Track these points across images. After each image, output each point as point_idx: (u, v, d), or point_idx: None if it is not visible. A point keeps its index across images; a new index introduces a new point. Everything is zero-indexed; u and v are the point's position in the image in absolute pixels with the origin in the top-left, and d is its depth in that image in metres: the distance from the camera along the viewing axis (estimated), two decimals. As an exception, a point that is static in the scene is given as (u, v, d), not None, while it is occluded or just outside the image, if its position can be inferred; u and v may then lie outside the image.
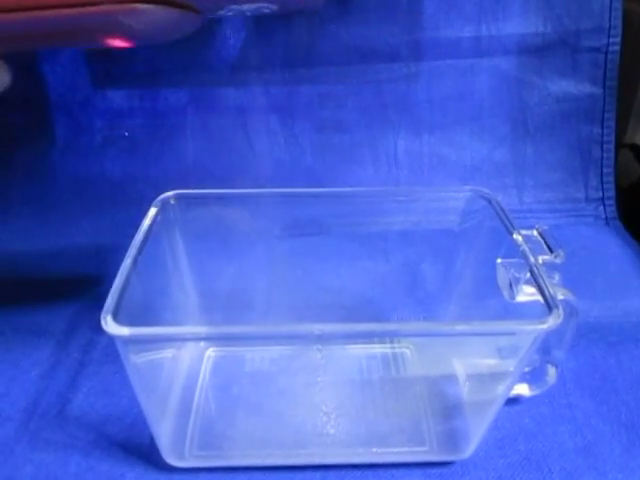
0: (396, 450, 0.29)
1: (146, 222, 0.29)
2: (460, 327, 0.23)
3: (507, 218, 0.30)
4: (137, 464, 0.30)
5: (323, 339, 0.22)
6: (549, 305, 0.24)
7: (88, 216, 0.49)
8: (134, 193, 0.49)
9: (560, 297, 0.26)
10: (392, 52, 0.48)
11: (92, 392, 0.34)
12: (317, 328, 0.22)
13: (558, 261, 0.27)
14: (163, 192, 0.33)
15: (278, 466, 0.29)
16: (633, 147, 0.57)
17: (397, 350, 0.35)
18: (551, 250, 0.27)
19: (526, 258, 0.26)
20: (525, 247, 0.27)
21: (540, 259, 0.27)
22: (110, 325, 0.23)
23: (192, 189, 0.34)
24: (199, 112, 0.49)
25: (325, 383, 0.28)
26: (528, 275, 0.26)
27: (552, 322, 0.23)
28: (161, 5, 0.21)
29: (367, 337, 0.29)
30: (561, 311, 0.23)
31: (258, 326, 0.24)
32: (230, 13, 0.29)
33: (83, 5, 0.20)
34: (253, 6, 0.27)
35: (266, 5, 0.26)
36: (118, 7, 0.20)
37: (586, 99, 0.49)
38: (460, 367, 0.33)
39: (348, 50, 0.48)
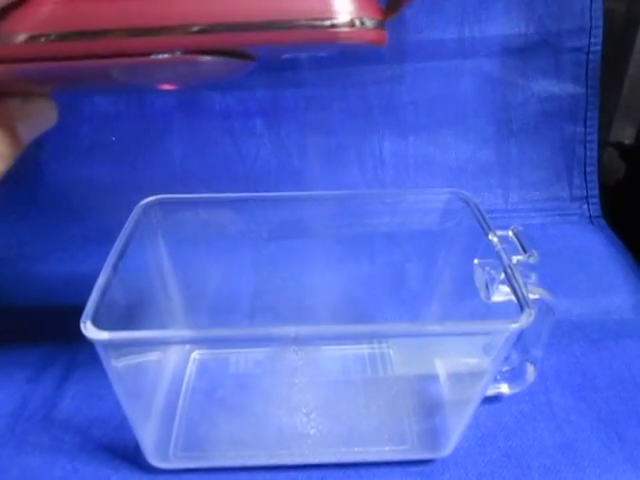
0: (377, 449, 0.30)
1: (127, 227, 0.29)
2: (433, 327, 0.24)
3: (484, 219, 0.30)
4: (122, 466, 0.30)
5: (299, 341, 0.23)
6: (521, 305, 0.24)
7: (76, 221, 0.49)
8: (122, 197, 0.48)
9: (535, 296, 0.27)
10: (376, 54, 0.48)
11: (78, 396, 0.34)
12: (292, 330, 0.22)
13: (532, 261, 0.27)
14: (151, 196, 0.34)
15: (261, 466, 0.29)
16: (618, 145, 0.57)
17: (380, 350, 0.35)
18: (525, 250, 0.27)
19: (500, 258, 0.27)
20: (500, 248, 0.28)
21: (515, 259, 0.27)
22: (89, 330, 0.23)
23: (179, 193, 0.35)
24: (186, 116, 0.49)
25: (306, 384, 0.28)
26: (503, 275, 0.27)
27: (524, 321, 0.24)
28: (222, 56, 0.21)
29: (341, 339, 0.29)
30: (533, 310, 0.24)
31: (233, 329, 0.24)
32: (287, 55, 0.29)
33: (147, 55, 0.20)
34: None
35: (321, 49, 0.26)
36: (181, 58, 0.20)
37: (569, 99, 0.49)
38: (441, 366, 0.33)
39: (332, 53, 0.48)
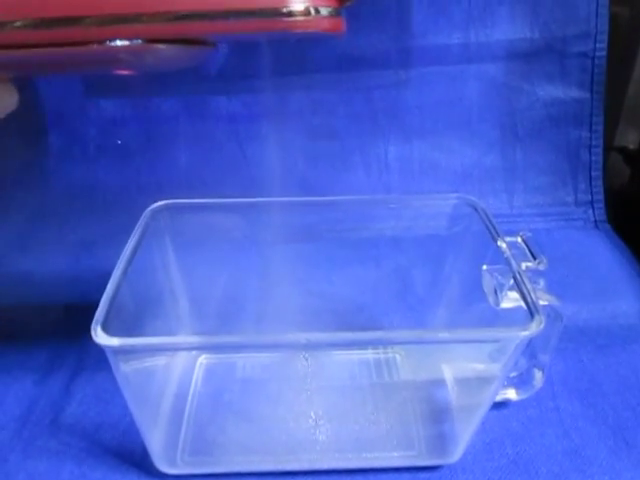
0: (386, 455, 0.30)
1: (136, 232, 0.30)
2: (442, 335, 0.24)
3: (492, 225, 0.30)
4: (129, 471, 0.30)
5: (309, 347, 0.23)
6: (531, 312, 0.24)
7: (83, 224, 0.49)
8: (128, 201, 0.49)
9: (544, 303, 0.27)
10: (382, 59, 0.48)
11: (85, 400, 0.34)
12: (303, 337, 0.22)
13: (541, 267, 0.27)
14: (156, 200, 0.34)
15: (269, 472, 0.29)
16: (622, 150, 0.57)
17: (388, 355, 0.35)
18: (534, 257, 0.27)
19: (509, 265, 0.27)
20: (509, 254, 0.28)
21: (524, 265, 0.27)
22: (100, 336, 0.23)
23: (185, 196, 0.35)
24: (191, 120, 0.50)
25: (315, 389, 0.28)
26: (512, 281, 0.27)
27: (534, 328, 0.24)
28: (181, 44, 0.21)
29: (351, 345, 0.29)
30: (542, 317, 0.24)
31: (243, 335, 0.24)
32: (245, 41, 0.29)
33: (103, 42, 0.20)
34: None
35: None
36: (140, 46, 0.20)
37: (574, 104, 0.49)
38: (449, 372, 0.33)
39: (339, 58, 0.48)
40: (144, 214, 0.31)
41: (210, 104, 0.49)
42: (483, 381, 0.28)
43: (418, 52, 0.48)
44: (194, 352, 0.36)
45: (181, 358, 0.35)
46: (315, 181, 0.50)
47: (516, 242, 0.29)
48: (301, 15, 0.20)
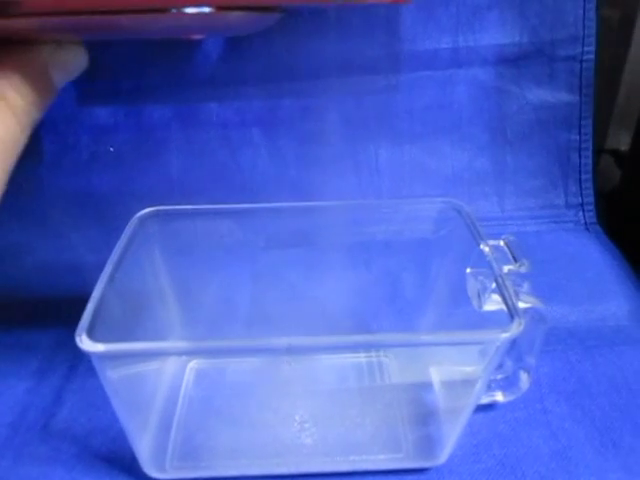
0: (373, 458, 0.30)
1: (123, 239, 0.30)
2: (424, 337, 0.24)
3: (476, 228, 0.30)
4: (119, 477, 0.30)
5: (291, 351, 0.23)
6: (511, 314, 0.24)
7: (76, 231, 0.49)
8: (121, 208, 0.49)
9: (527, 305, 0.27)
10: (372, 65, 0.49)
11: (77, 406, 0.34)
12: (285, 341, 0.22)
13: (523, 270, 0.27)
14: (149, 206, 0.34)
15: (257, 476, 0.30)
16: (614, 152, 0.58)
17: (375, 359, 0.36)
18: (516, 260, 0.28)
19: (491, 268, 0.27)
20: (491, 257, 0.28)
21: (506, 268, 0.27)
22: (85, 342, 0.24)
23: (177, 203, 0.35)
24: (183, 127, 0.50)
25: (300, 393, 0.29)
26: (494, 285, 0.27)
27: (514, 330, 0.24)
28: (252, 11, 0.21)
29: (335, 349, 0.30)
30: (522, 320, 0.24)
31: (225, 340, 0.24)
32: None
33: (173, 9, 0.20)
34: None
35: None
36: (212, 13, 0.20)
37: (563, 107, 0.50)
38: (436, 374, 0.34)
39: (328, 64, 0.49)
40: (131, 221, 0.32)
41: (201, 111, 0.49)
42: (468, 383, 0.29)
43: (407, 57, 0.49)
44: (184, 357, 0.36)
45: (171, 363, 0.36)
46: (307, 186, 0.51)
47: (499, 245, 0.29)
48: None
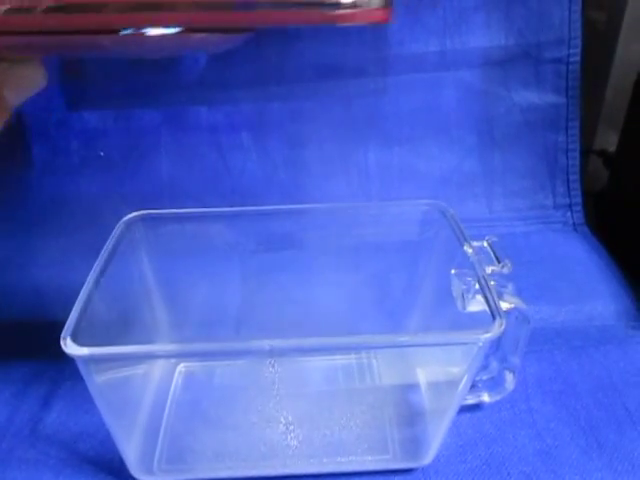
0: (359, 459, 0.30)
1: (110, 243, 0.30)
2: (405, 339, 0.24)
3: (460, 230, 0.31)
4: (107, 480, 0.30)
5: (274, 354, 0.23)
6: (493, 314, 0.25)
7: (66, 236, 0.49)
8: (110, 212, 0.49)
9: (510, 306, 0.27)
10: (360, 68, 0.49)
11: (65, 410, 0.34)
12: (267, 343, 0.23)
13: (506, 271, 0.28)
14: (139, 210, 0.34)
15: (244, 478, 0.30)
16: (602, 153, 0.58)
17: (362, 360, 0.36)
18: (499, 261, 0.28)
19: (474, 269, 0.27)
20: (474, 258, 0.28)
21: (489, 269, 0.28)
22: (69, 346, 0.24)
23: (167, 207, 0.35)
24: (173, 131, 0.50)
25: (285, 395, 0.29)
26: (477, 286, 0.27)
27: (496, 331, 0.24)
28: (221, 32, 0.21)
29: (318, 351, 0.30)
30: (504, 320, 0.24)
31: (207, 343, 0.24)
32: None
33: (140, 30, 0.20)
34: None
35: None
36: (178, 35, 0.20)
37: (550, 109, 0.50)
38: (422, 375, 0.34)
39: (317, 67, 0.49)
40: (117, 225, 0.32)
41: (191, 115, 0.50)
42: (453, 383, 0.29)
43: (395, 60, 0.49)
44: (173, 360, 0.36)
45: (160, 366, 0.36)
46: (296, 189, 0.51)
47: (483, 247, 0.29)
48: (349, 7, 0.19)
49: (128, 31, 0.19)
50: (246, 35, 0.22)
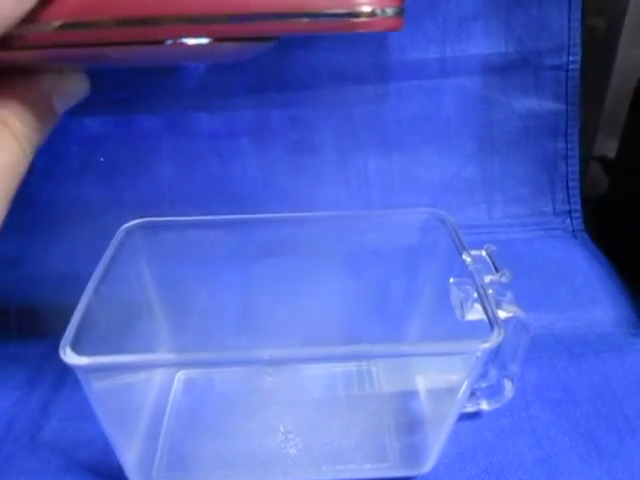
0: (358, 467, 0.30)
1: (109, 251, 0.30)
2: (404, 348, 0.24)
3: (459, 238, 0.31)
4: (106, 487, 0.30)
5: (273, 363, 0.23)
6: (491, 324, 0.25)
7: (66, 242, 0.49)
8: (111, 218, 0.49)
9: (509, 314, 0.27)
10: (360, 75, 0.49)
11: (65, 417, 0.34)
12: (266, 353, 0.23)
13: (504, 280, 0.28)
14: (139, 216, 0.35)
15: (244, 486, 0.30)
16: (601, 159, 0.58)
17: (362, 368, 0.36)
18: (497, 269, 0.28)
19: (473, 278, 0.27)
20: (473, 267, 0.28)
21: (487, 278, 0.28)
22: (68, 355, 0.24)
23: (167, 213, 0.35)
24: (173, 137, 0.50)
25: (284, 403, 0.29)
26: (476, 294, 0.27)
27: (494, 340, 0.24)
28: (247, 41, 0.22)
29: (317, 360, 0.30)
30: (502, 330, 0.24)
31: (206, 352, 0.24)
32: None
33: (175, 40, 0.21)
34: None
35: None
36: (210, 44, 0.21)
37: (549, 116, 0.50)
38: (422, 383, 0.34)
39: (317, 74, 0.49)
40: (117, 232, 0.32)
41: (191, 121, 0.50)
42: (452, 391, 0.29)
43: (395, 67, 0.49)
44: (172, 368, 0.36)
45: (159, 374, 0.36)
46: (296, 196, 0.51)
47: (481, 256, 0.29)
48: (367, 16, 0.21)
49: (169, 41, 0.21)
50: (269, 44, 0.23)
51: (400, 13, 0.22)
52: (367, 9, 0.20)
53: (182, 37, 0.21)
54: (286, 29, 0.21)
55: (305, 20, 0.20)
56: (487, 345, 0.24)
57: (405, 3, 0.22)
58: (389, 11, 0.21)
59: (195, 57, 0.26)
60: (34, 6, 0.19)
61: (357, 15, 0.21)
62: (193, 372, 0.36)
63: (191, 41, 0.21)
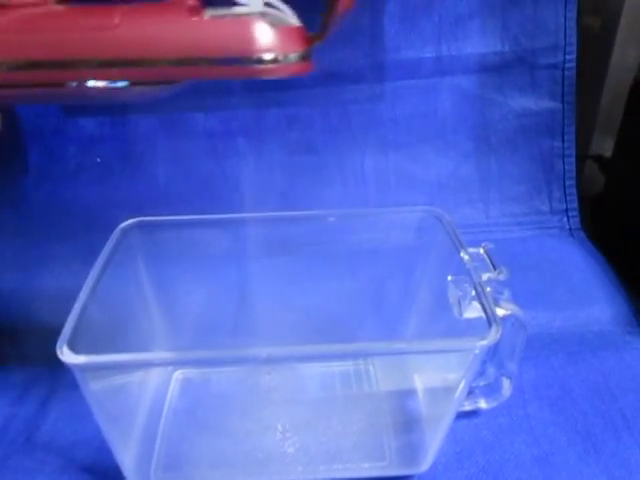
0: (356, 466, 0.30)
1: (106, 250, 0.30)
2: (400, 346, 0.24)
3: (456, 236, 0.31)
4: (103, 488, 0.30)
5: (271, 361, 0.23)
6: (489, 321, 0.25)
7: (63, 242, 0.49)
8: (108, 218, 0.49)
9: (507, 312, 0.27)
10: (357, 74, 0.49)
11: (61, 417, 0.34)
12: (264, 351, 0.23)
13: (501, 278, 0.28)
14: (136, 216, 0.34)
15: (242, 485, 0.30)
16: (598, 158, 0.58)
17: (360, 367, 0.36)
18: (494, 267, 0.28)
19: (470, 276, 0.27)
20: (470, 266, 0.28)
21: (485, 276, 0.28)
22: (66, 354, 0.24)
23: (164, 213, 0.35)
24: (169, 137, 0.50)
25: (282, 403, 0.29)
26: (474, 292, 0.27)
27: (492, 338, 0.24)
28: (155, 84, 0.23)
29: (314, 359, 0.30)
30: (500, 327, 0.24)
31: (203, 351, 0.24)
32: None
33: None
34: None
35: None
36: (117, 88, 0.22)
37: (546, 114, 0.50)
38: (419, 382, 0.34)
39: (313, 74, 0.49)
40: (114, 232, 0.32)
41: (187, 121, 0.50)
42: (450, 390, 0.29)
43: (391, 66, 0.49)
44: (169, 367, 0.36)
45: (157, 373, 0.36)
46: (293, 195, 0.51)
47: (480, 253, 0.29)
48: (270, 63, 0.21)
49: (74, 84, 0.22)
50: (175, 86, 0.24)
51: (305, 57, 0.22)
52: (269, 56, 0.21)
53: (85, 80, 0.22)
54: (188, 74, 0.21)
55: (207, 66, 0.21)
56: (485, 342, 0.24)
57: (311, 49, 0.23)
58: (292, 57, 0.22)
59: (105, 97, 0.26)
60: None
61: (259, 62, 0.21)
62: (190, 372, 0.36)
63: (95, 84, 0.22)
